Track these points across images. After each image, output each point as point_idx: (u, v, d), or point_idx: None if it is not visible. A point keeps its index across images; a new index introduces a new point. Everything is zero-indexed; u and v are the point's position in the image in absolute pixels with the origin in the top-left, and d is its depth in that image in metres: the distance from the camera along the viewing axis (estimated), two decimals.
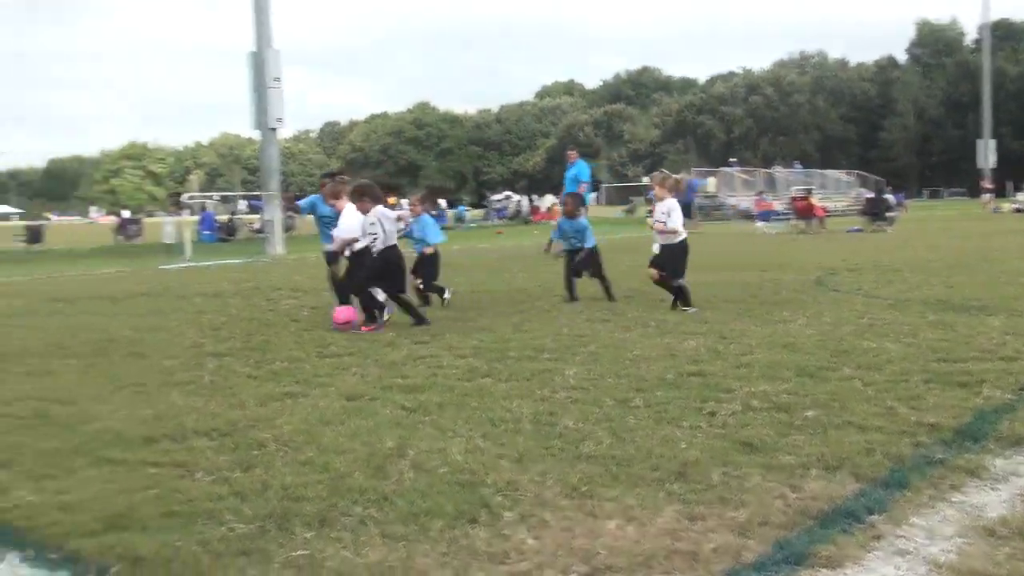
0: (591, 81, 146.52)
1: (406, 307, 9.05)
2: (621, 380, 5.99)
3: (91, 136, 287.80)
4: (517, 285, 12.46)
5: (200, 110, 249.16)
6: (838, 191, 48.59)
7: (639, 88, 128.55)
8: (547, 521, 3.49)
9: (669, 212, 9.53)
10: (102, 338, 8.67)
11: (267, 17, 24.51)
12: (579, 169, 19.79)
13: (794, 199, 30.18)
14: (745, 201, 40.95)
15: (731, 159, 57.83)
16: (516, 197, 57.36)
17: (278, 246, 23.98)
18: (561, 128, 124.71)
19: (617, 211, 59.99)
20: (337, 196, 9.33)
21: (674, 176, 10.10)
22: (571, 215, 11.08)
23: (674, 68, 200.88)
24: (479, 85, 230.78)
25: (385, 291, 8.87)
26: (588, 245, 10.80)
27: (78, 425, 5.23)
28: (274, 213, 24.49)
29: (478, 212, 53.68)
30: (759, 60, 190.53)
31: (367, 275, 8.84)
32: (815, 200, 29.73)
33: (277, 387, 6.13)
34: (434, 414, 5.22)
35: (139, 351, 7.85)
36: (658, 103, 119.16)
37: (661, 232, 9.56)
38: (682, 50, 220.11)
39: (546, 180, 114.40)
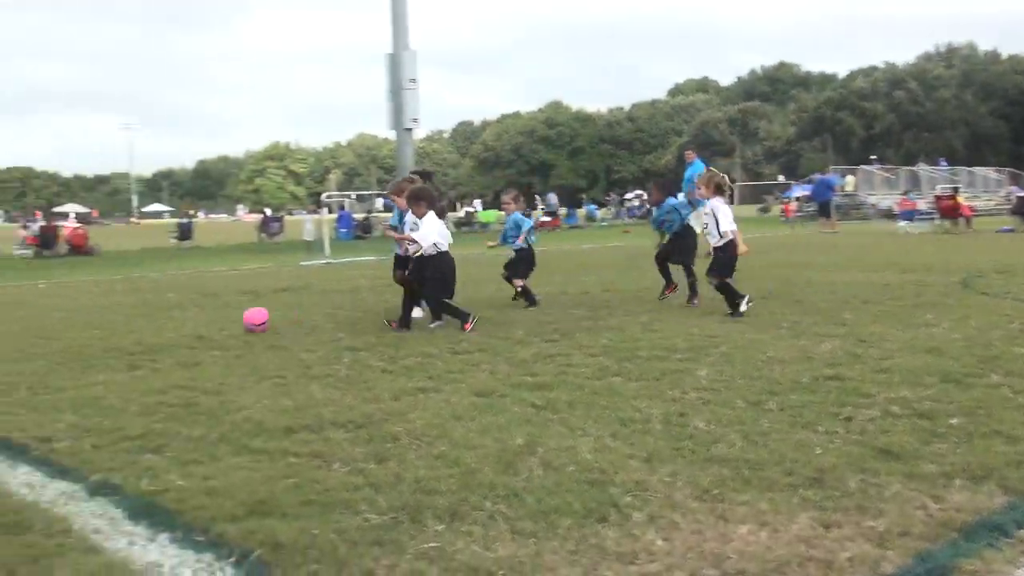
0: (726, 78, 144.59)
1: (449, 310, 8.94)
2: (754, 382, 5.87)
3: (237, 137, 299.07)
4: (646, 284, 12.34)
5: (339, 111, 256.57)
6: (987, 189, 46.40)
7: (775, 84, 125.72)
8: (677, 523, 3.46)
9: (714, 213, 9.16)
10: (243, 332, 9.02)
11: (404, 19, 24.99)
12: (695, 168, 19.59)
13: (939, 198, 28.99)
14: (886, 200, 39.55)
15: (871, 156, 55.86)
16: (646, 196, 56.93)
17: None
18: (694, 126, 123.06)
19: (753, 210, 58.71)
20: (399, 193, 9.44)
21: (720, 174, 9.66)
22: (657, 202, 10.84)
23: (812, 63, 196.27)
24: (611, 83, 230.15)
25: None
26: (683, 221, 10.52)
27: (223, 414, 5.47)
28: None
29: (609, 210, 53.38)
30: (902, 54, 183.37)
31: (436, 285, 8.89)
32: (961, 199, 28.49)
33: (410, 382, 6.26)
34: (563, 412, 5.24)
35: (280, 344, 8.14)
36: (795, 99, 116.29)
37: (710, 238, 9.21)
38: (821, 45, 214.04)
39: (678, 179, 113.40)
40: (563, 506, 3.65)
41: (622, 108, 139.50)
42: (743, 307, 8.91)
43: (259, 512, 3.71)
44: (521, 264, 10.65)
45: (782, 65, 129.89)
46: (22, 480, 4.30)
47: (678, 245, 10.52)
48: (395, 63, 24.77)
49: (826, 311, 9.10)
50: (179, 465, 4.43)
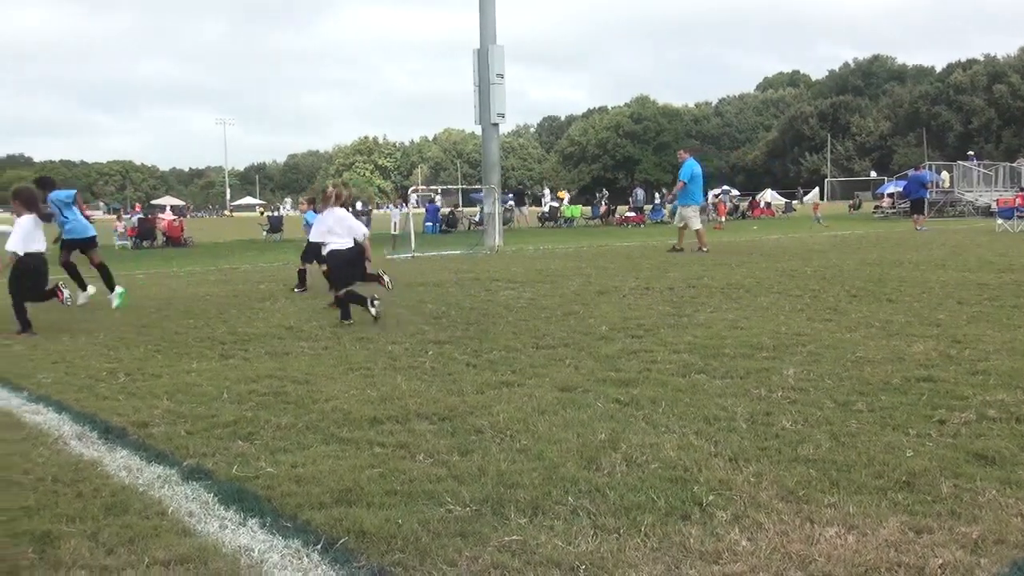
0: (817, 71, 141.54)
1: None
2: (842, 382, 5.76)
3: (326, 132, 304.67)
4: (734, 280, 12.20)
5: (426, 106, 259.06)
6: None
7: (869, 78, 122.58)
8: (761, 523, 3.41)
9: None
10: (334, 323, 9.19)
11: (492, 14, 25.12)
12: (688, 167, 19.71)
13: None
14: (984, 196, 38.27)
15: (969, 152, 54.08)
16: (734, 191, 56.15)
17: (497, 238, 24.55)
18: (783, 121, 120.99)
19: (844, 207, 57.53)
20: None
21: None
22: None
23: (908, 56, 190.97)
24: (699, 77, 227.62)
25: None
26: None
27: (311, 403, 5.58)
28: (494, 206, 25.08)
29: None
30: (1004, 46, 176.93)
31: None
32: None
33: (494, 376, 6.30)
34: (647, 409, 5.21)
35: (366, 336, 8.27)
36: (889, 93, 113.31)
37: None
38: (917, 37, 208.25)
39: (766, 174, 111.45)
40: (646, 503, 3.64)
41: (709, 103, 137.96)
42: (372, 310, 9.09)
43: (345, 500, 3.78)
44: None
45: (876, 58, 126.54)
46: (121, 463, 4.46)
47: None
48: (482, 58, 24.92)
49: (919, 311, 8.86)
50: (268, 452, 4.54)
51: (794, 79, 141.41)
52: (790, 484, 3.83)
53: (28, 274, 9.53)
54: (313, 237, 9.47)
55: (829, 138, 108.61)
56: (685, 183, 19.57)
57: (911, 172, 34.94)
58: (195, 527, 3.56)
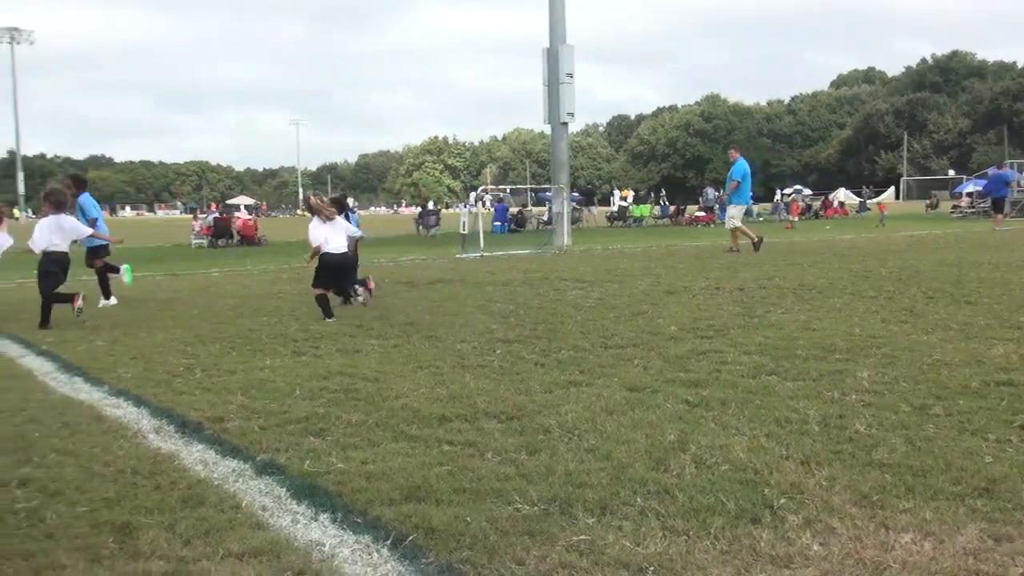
0: (893, 68, 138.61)
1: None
2: (918, 386, 5.63)
3: (396, 132, 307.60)
4: (806, 281, 12.01)
5: (496, 106, 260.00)
6: None
7: (947, 74, 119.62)
8: (834, 528, 3.36)
9: None
10: (403, 321, 9.28)
11: (562, 13, 25.09)
12: (739, 167, 19.50)
13: None
14: None
15: None
16: (806, 191, 55.29)
17: (565, 237, 24.52)
18: (858, 118, 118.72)
19: (921, 207, 56.29)
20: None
21: None
22: None
23: (988, 52, 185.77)
24: (771, 75, 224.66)
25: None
26: None
27: (381, 401, 5.65)
28: (562, 205, 25.06)
29: (767, 205, 52.12)
30: None
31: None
32: None
33: (562, 375, 6.30)
34: (717, 410, 5.16)
35: (436, 335, 8.33)
36: (968, 90, 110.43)
37: None
38: (998, 32, 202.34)
39: (839, 173, 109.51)
40: (715, 505, 3.60)
41: (781, 100, 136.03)
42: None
43: (414, 497, 3.82)
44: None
45: (955, 54, 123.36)
46: (197, 457, 4.57)
47: None
48: (552, 58, 24.90)
49: (999, 313, 8.62)
50: (339, 448, 4.61)
51: (869, 76, 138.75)
52: (864, 489, 3.76)
53: (51, 273, 10.01)
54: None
55: (906, 136, 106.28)
56: (739, 182, 19.36)
57: (992, 170, 33.96)
58: (268, 521, 3.63)
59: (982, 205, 36.04)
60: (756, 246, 18.78)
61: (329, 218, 10.06)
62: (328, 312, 9.70)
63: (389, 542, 3.35)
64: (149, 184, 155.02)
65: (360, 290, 10.28)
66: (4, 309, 11.41)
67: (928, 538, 3.24)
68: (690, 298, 10.64)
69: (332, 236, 10.00)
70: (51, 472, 4.32)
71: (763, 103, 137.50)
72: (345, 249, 10.17)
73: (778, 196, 49.69)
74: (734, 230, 19.30)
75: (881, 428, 4.69)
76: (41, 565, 3.20)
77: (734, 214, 19.50)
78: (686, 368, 6.40)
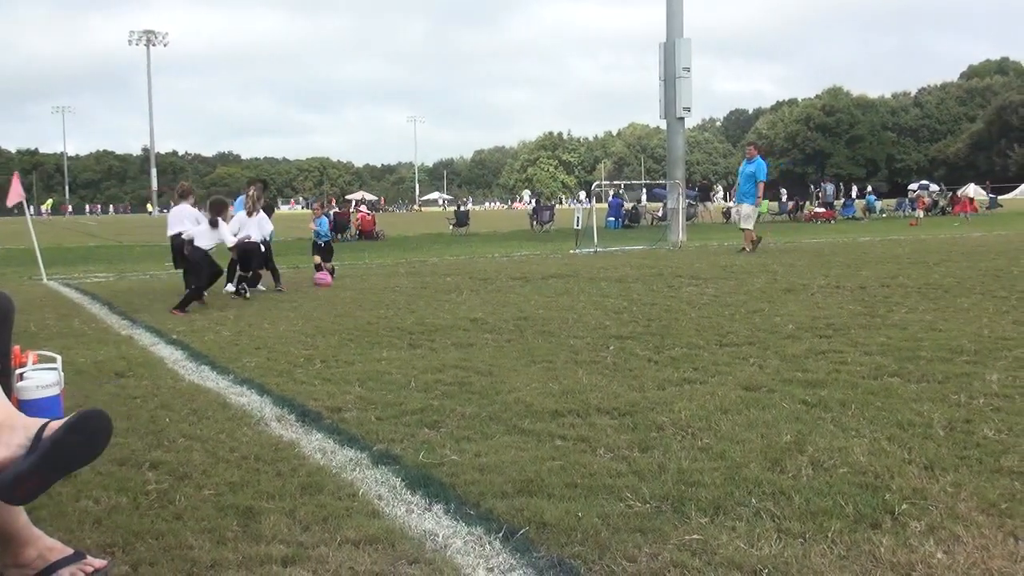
0: None
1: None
2: None
3: (511, 128, 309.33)
4: (932, 280, 11.58)
5: (612, 101, 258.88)
6: None
7: None
8: (959, 536, 3.24)
9: None
10: (517, 316, 9.33)
11: (679, 7, 24.81)
12: (758, 166, 18.68)
13: None
14: None
15: None
16: (933, 186, 53.28)
17: (680, 234, 24.25)
18: (990, 111, 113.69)
19: None
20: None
21: None
22: None
23: None
24: (897, 66, 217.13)
25: None
26: None
27: (494, 394, 5.70)
28: (678, 201, 24.79)
29: (890, 201, 50.44)
30: None
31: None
32: None
33: (676, 372, 6.24)
34: (835, 411, 5.03)
35: (549, 330, 8.35)
36: None
37: None
38: None
39: (969, 168, 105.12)
40: (833, 508, 3.52)
41: (908, 93, 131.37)
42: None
43: (526, 491, 3.84)
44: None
45: None
46: (316, 446, 4.69)
47: None
48: (669, 51, 24.65)
49: None
50: (453, 440, 4.67)
51: (1003, 66, 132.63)
52: (992, 496, 3.61)
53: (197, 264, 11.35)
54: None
55: None
56: (764, 183, 19.07)
57: None
58: (383, 510, 3.71)
59: None
60: (755, 245, 18.67)
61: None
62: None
63: (501, 534, 3.39)
64: (273, 180, 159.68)
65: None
66: (138, 300, 11.94)
67: None
68: (809, 296, 10.39)
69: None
70: (180, 456, 4.51)
71: (888, 95, 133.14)
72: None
73: (916, 191, 47.80)
74: (747, 230, 19.00)
75: (1011, 434, 4.50)
76: (169, 544, 3.35)
77: (750, 213, 19.08)
78: (804, 368, 6.25)
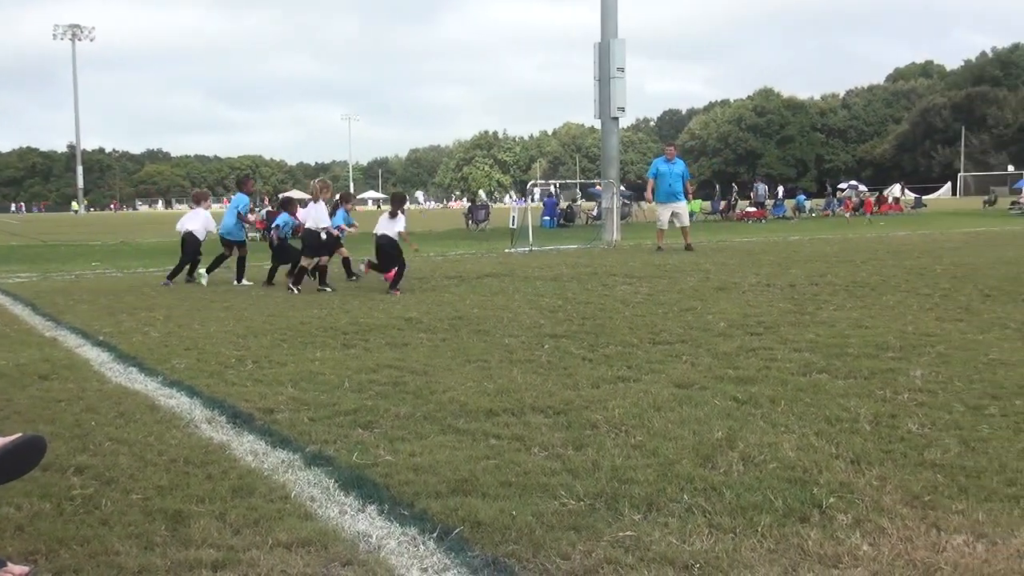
0: (952, 61, 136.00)
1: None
2: (973, 385, 5.53)
3: (446, 127, 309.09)
4: (859, 278, 11.84)
5: (546, 101, 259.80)
6: None
7: (1008, 68, 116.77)
8: (884, 528, 3.31)
9: None
10: (452, 315, 9.32)
11: (613, 7, 24.96)
12: (679, 167, 19.52)
13: None
14: None
15: None
16: (861, 187, 54.47)
17: (615, 233, 24.43)
18: (914, 113, 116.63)
19: (979, 203, 55.20)
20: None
21: None
22: None
23: None
24: (826, 69, 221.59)
25: None
26: None
27: (429, 394, 5.68)
28: (612, 201, 24.96)
29: (819, 201, 51.41)
30: None
31: None
32: None
33: (610, 370, 6.28)
34: (766, 407, 5.12)
35: (484, 329, 8.35)
36: None
37: None
38: None
39: (895, 168, 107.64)
40: (763, 503, 3.57)
41: (836, 95, 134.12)
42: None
43: (461, 490, 3.84)
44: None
45: (1017, 47, 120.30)
46: (248, 448, 4.63)
47: None
48: (604, 52, 24.79)
49: None
50: (387, 441, 4.64)
51: (927, 69, 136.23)
52: (915, 489, 3.70)
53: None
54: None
55: (963, 131, 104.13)
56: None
57: None
58: (316, 511, 3.67)
59: None
60: (660, 248, 19.13)
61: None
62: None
63: (435, 534, 3.38)
64: (204, 178, 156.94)
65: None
66: (63, 300, 11.66)
67: (981, 540, 3.19)
68: (740, 294, 10.55)
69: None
70: (106, 460, 4.41)
71: (817, 97, 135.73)
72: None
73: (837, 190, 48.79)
74: (663, 230, 19.50)
75: (934, 428, 4.62)
76: (95, 551, 3.27)
77: (685, 211, 19.76)
78: (735, 365, 6.35)
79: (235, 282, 13.69)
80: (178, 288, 13.11)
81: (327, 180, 14.32)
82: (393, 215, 12.39)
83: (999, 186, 72.82)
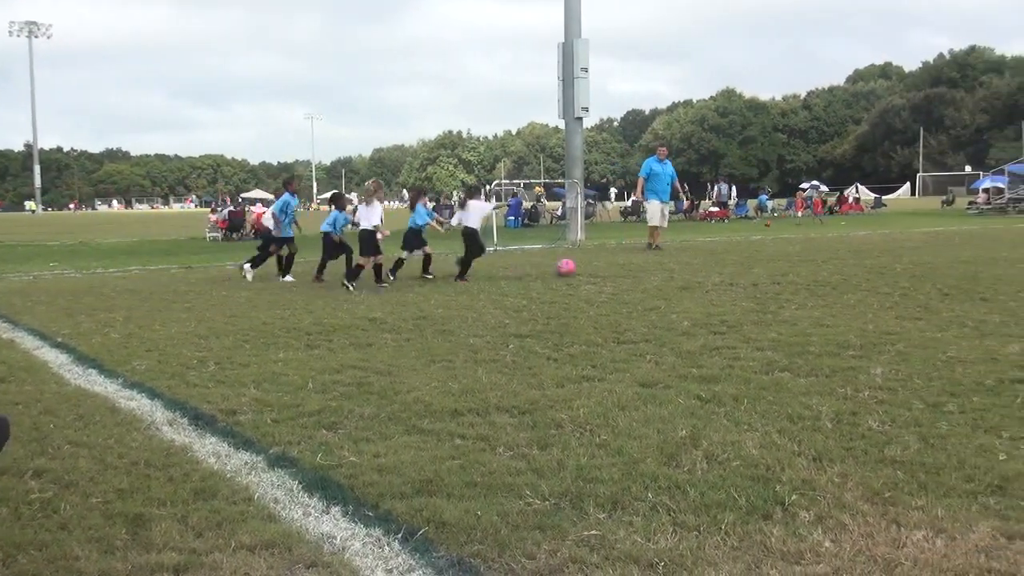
0: (910, 63, 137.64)
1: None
2: (932, 383, 5.61)
3: (411, 126, 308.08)
4: (820, 277, 11.96)
5: (510, 101, 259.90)
6: None
7: (965, 69, 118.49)
8: (846, 524, 3.35)
9: None
10: (416, 315, 9.29)
11: (577, 7, 25.01)
12: (668, 168, 19.73)
13: None
14: None
15: None
16: (823, 187, 55.04)
17: (579, 232, 24.48)
18: (874, 114, 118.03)
19: (937, 202, 55.99)
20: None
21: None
22: None
23: (1007, 46, 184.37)
24: (787, 70, 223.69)
25: None
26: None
27: (393, 394, 5.66)
28: (576, 201, 25.02)
29: (781, 201, 51.87)
30: None
31: None
32: None
33: (574, 370, 6.30)
34: (729, 406, 5.16)
35: (448, 329, 8.34)
36: (986, 85, 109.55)
37: None
38: (1017, 26, 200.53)
39: (855, 169, 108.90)
40: (727, 501, 3.60)
41: (797, 96, 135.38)
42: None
43: (426, 491, 3.83)
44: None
45: (973, 49, 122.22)
46: (210, 450, 4.59)
47: None
48: (567, 52, 24.84)
49: (1015, 310, 8.58)
50: (352, 442, 4.62)
51: (886, 71, 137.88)
52: (876, 486, 3.75)
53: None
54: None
55: (922, 132, 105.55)
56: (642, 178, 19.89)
57: (1009, 167, 33.78)
58: (280, 513, 3.65)
59: (999, 201, 35.81)
60: (657, 247, 19.24)
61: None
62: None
63: (400, 535, 3.37)
64: (164, 178, 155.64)
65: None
66: (20, 301, 11.48)
67: (940, 535, 3.23)
68: (703, 293, 10.62)
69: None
70: (65, 463, 4.35)
71: (779, 98, 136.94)
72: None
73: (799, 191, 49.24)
74: (655, 228, 19.64)
75: (894, 425, 4.67)
76: (54, 555, 3.22)
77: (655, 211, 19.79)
78: (698, 364, 6.39)
79: (280, 278, 14.52)
80: (139, 290, 12.95)
81: (379, 180, 14.61)
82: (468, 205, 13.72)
83: (957, 186, 73.94)
